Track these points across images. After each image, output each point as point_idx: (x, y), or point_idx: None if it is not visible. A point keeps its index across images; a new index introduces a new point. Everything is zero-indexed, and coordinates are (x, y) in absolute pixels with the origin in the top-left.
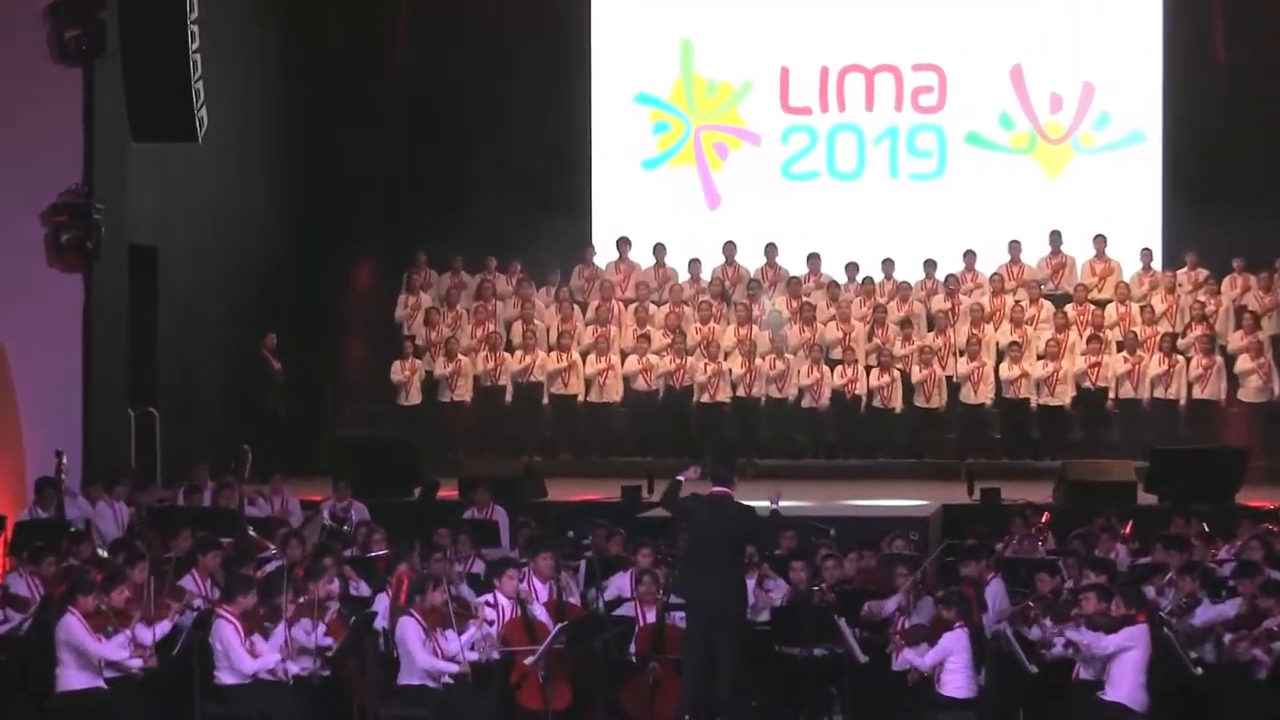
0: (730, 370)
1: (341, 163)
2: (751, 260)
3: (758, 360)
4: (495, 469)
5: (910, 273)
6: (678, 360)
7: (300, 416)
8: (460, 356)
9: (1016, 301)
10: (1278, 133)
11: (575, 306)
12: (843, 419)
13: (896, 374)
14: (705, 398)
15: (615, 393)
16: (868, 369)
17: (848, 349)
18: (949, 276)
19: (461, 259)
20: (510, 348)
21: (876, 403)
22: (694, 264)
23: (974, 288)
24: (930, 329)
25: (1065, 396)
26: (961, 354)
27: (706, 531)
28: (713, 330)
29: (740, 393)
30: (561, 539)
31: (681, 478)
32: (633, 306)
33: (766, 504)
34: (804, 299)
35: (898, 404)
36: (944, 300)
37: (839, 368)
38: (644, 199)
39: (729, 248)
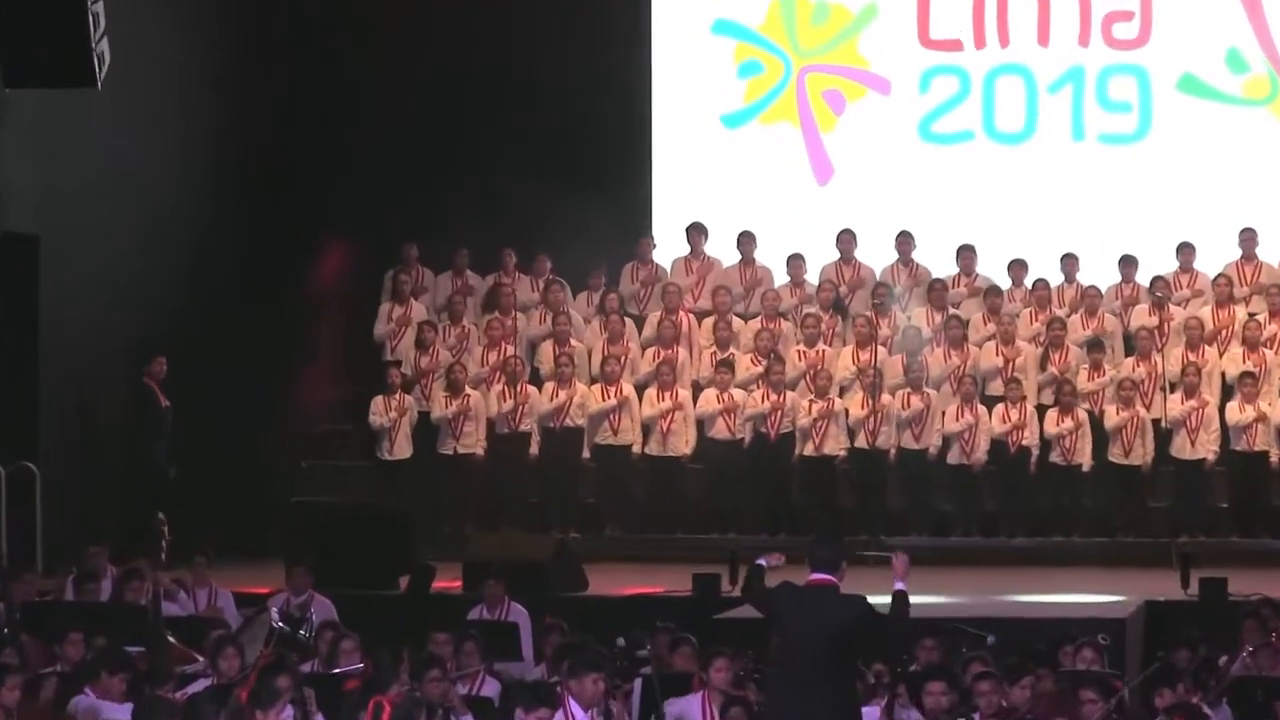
0: (847, 411)
1: (298, 119)
2: (877, 256)
3: (885, 397)
4: (514, 549)
5: (1101, 274)
6: (773, 397)
7: (229, 476)
8: (467, 391)
9: (1251, 315)
10: None
11: (628, 321)
12: (1006, 480)
13: (1083, 417)
14: (810, 449)
15: (684, 443)
16: (1041, 410)
17: (1012, 381)
18: (1156, 280)
19: (467, 254)
20: (537, 379)
21: (1055, 457)
22: (795, 262)
23: (1191, 295)
24: (1129, 354)
25: None
26: (1173, 389)
27: (801, 636)
28: (822, 355)
29: (861, 443)
30: (608, 649)
31: (763, 563)
32: (709, 321)
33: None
34: (951, 310)
35: (1085, 459)
36: (1149, 313)
37: (1000, 407)
38: (725, 169)
39: (846, 239)
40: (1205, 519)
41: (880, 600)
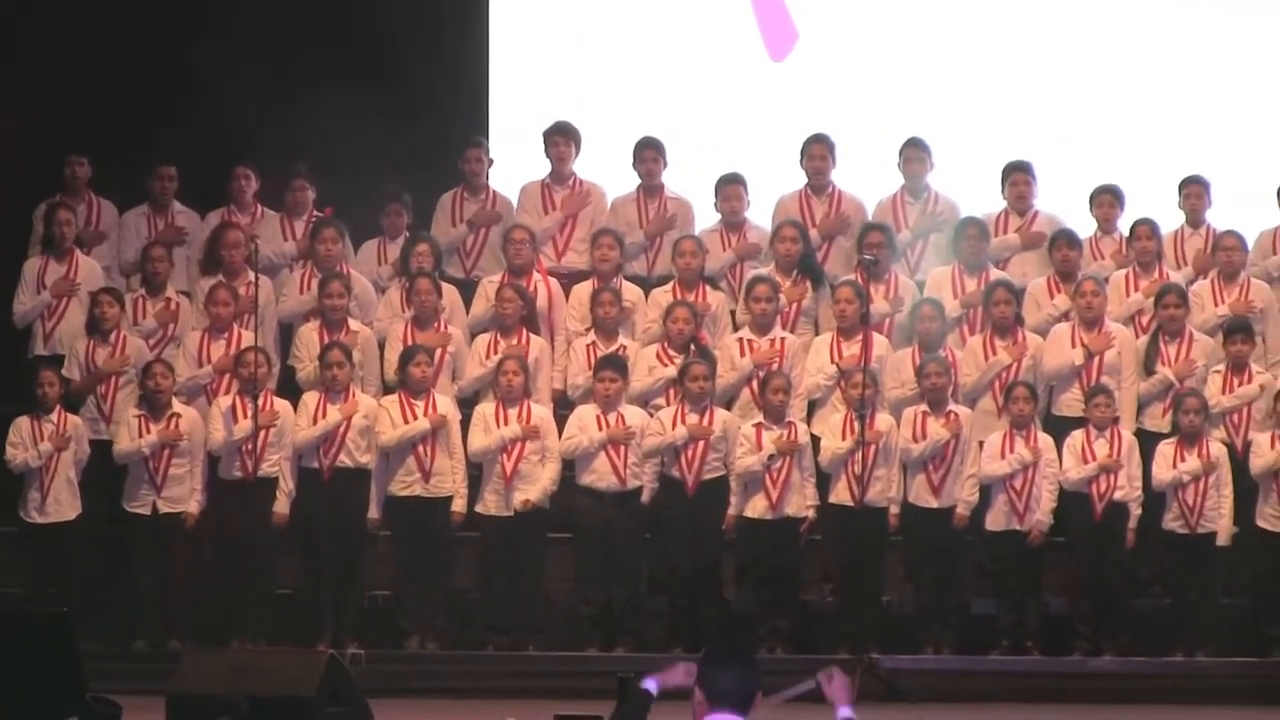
0: (819, 443)
1: None
2: (871, 180)
3: (884, 419)
4: (255, 675)
5: (1247, 212)
6: (692, 418)
7: None
8: (176, 409)
9: None
10: None
11: (448, 289)
12: (1087, 560)
13: (1219, 453)
14: (757, 508)
15: (541, 495)
16: (1146, 439)
17: (1098, 393)
18: None
19: (175, 175)
20: (293, 387)
21: (1170, 521)
22: (731, 189)
23: None
24: None
25: None
26: None
27: None
28: (779, 348)
29: (842, 497)
30: None
31: (650, 688)
32: (584, 289)
33: None
34: (995, 272)
35: (1221, 525)
36: None
37: (1077, 436)
38: (610, 31)
39: (818, 153)
40: None
41: None
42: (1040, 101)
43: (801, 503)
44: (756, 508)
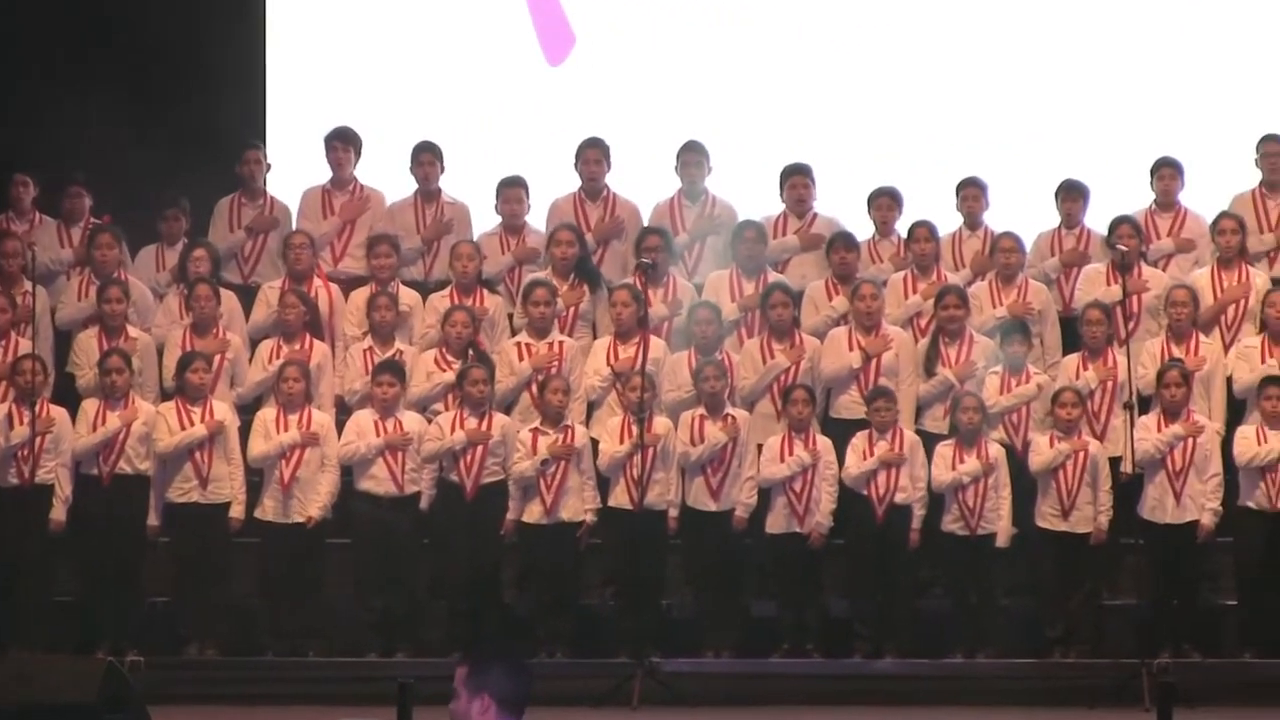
0: (597, 447)
1: None
2: (647, 185)
3: (661, 422)
4: (34, 683)
5: (1025, 213)
6: (470, 423)
7: None
8: None
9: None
10: None
11: (227, 295)
12: (867, 563)
13: (996, 454)
14: (535, 513)
15: (316, 503)
16: (926, 440)
17: (878, 397)
18: (1118, 222)
19: None
20: (71, 393)
21: (950, 523)
22: (510, 192)
23: (1176, 249)
24: (1071, 348)
25: None
26: (1145, 406)
27: None
28: (557, 352)
29: (620, 500)
30: None
31: None
32: (361, 295)
33: None
34: (773, 275)
35: (999, 525)
36: (1106, 279)
37: (857, 439)
38: (387, 37)
39: (593, 158)
40: (1198, 624)
41: None
42: (818, 104)
43: (579, 506)
44: (533, 513)
